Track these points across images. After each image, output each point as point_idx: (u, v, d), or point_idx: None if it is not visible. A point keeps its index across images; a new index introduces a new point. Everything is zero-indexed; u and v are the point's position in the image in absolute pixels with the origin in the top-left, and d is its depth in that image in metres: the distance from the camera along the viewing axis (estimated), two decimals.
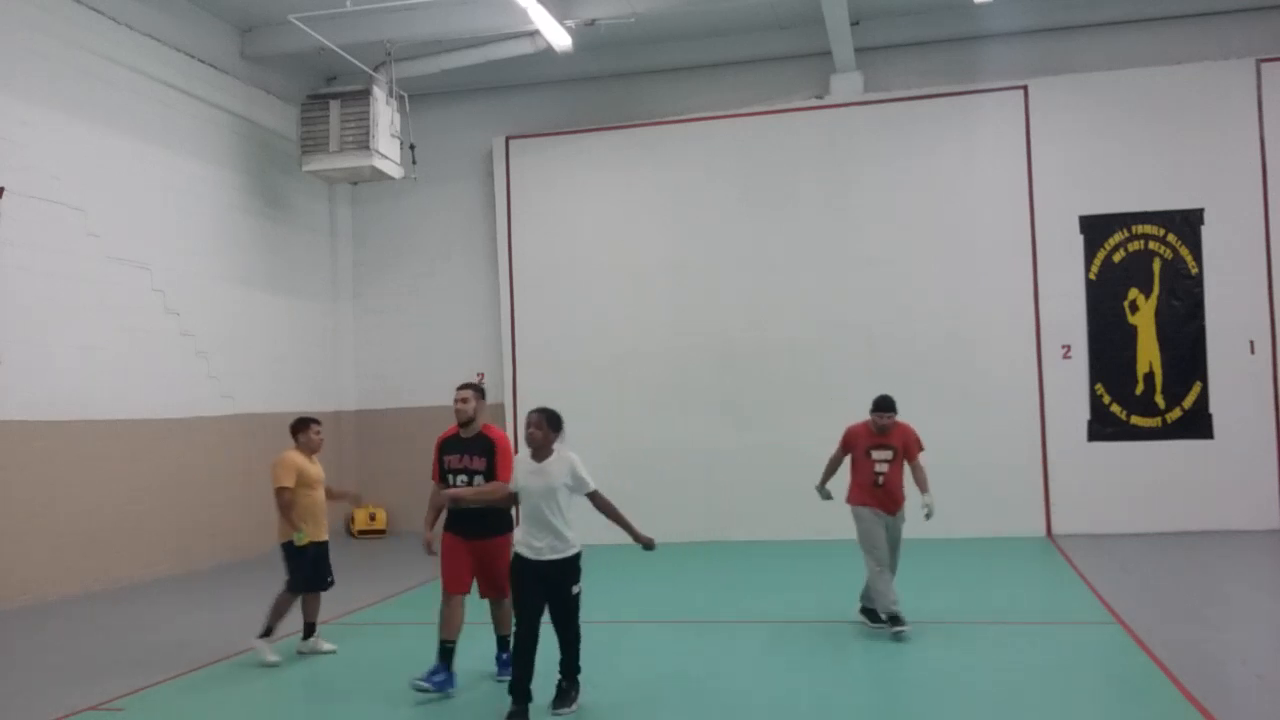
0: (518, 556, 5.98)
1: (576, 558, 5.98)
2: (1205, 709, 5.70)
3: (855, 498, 7.96)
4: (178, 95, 12.42)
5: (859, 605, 8.13)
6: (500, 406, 14.73)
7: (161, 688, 6.96)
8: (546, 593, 5.90)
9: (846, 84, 14.00)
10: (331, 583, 7.87)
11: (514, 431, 14.56)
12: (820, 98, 14.16)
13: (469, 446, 6.67)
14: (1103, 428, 13.19)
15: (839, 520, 13.11)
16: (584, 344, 14.54)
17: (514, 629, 5.95)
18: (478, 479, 6.56)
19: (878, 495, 7.87)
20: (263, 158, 14.09)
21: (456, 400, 6.74)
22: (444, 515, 6.73)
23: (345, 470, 15.05)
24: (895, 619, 7.64)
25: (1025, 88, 13.51)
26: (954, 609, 8.76)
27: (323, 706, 6.71)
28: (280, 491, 7.53)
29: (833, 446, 8.16)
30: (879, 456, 7.90)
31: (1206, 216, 13.04)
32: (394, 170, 13.45)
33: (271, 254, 14.27)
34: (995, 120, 13.58)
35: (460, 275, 15.54)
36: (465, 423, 6.72)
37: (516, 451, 6.48)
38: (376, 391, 15.75)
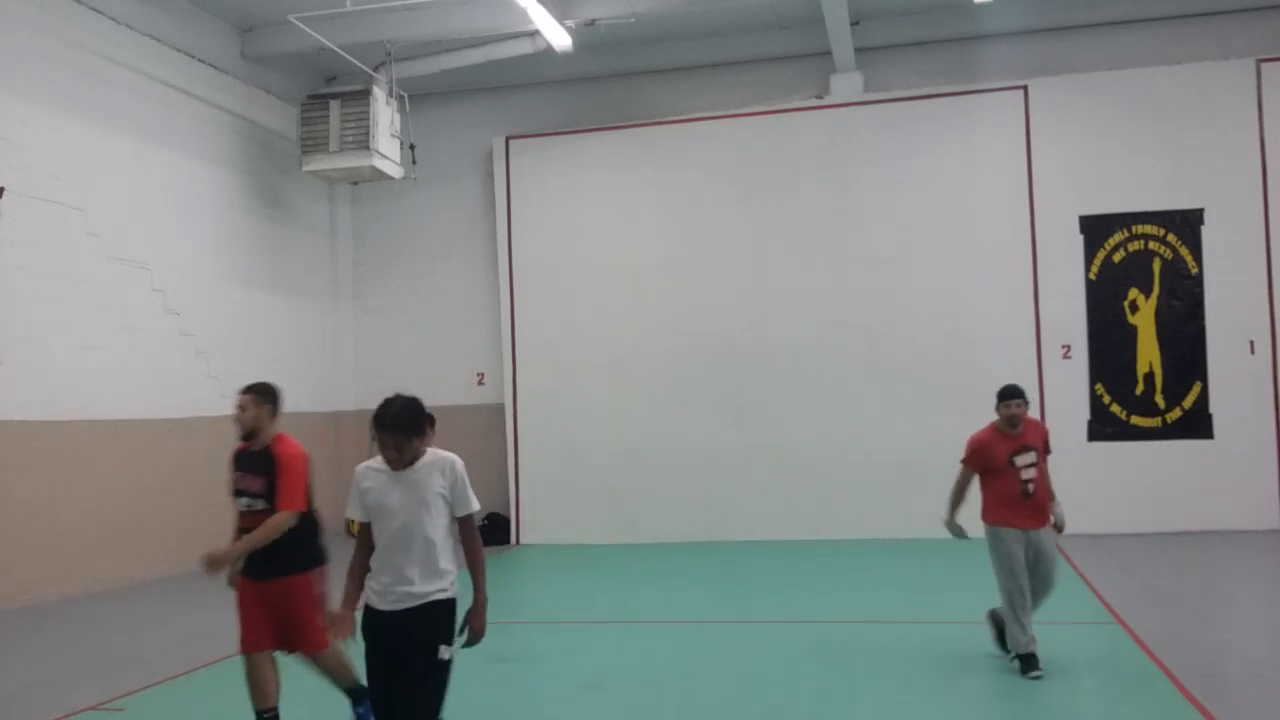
0: (369, 611, 4.19)
1: (451, 605, 4.18)
2: (1205, 709, 5.70)
3: (996, 516, 6.63)
4: (178, 95, 12.42)
5: (991, 632, 6.94)
6: (500, 406, 14.74)
7: (161, 688, 6.97)
8: (407, 659, 4.09)
9: (846, 84, 13.99)
10: None
11: (513, 440, 14.61)
12: (820, 98, 14.15)
13: (250, 463, 5.45)
14: (1103, 428, 13.19)
15: (838, 520, 13.35)
16: (584, 344, 14.53)
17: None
18: (258, 503, 5.39)
19: (1026, 510, 6.61)
20: (263, 158, 14.09)
21: (235, 406, 5.53)
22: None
23: (345, 471, 14.98)
24: (1029, 661, 6.47)
25: (1025, 88, 13.50)
26: (955, 609, 8.73)
27: (323, 705, 6.70)
28: None
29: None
30: (1024, 462, 6.62)
31: (1206, 216, 13.04)
32: (394, 170, 13.45)
33: (271, 254, 14.27)
34: (995, 120, 13.58)
35: (460, 275, 15.53)
36: (247, 434, 5.48)
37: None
38: (376, 392, 15.55)
